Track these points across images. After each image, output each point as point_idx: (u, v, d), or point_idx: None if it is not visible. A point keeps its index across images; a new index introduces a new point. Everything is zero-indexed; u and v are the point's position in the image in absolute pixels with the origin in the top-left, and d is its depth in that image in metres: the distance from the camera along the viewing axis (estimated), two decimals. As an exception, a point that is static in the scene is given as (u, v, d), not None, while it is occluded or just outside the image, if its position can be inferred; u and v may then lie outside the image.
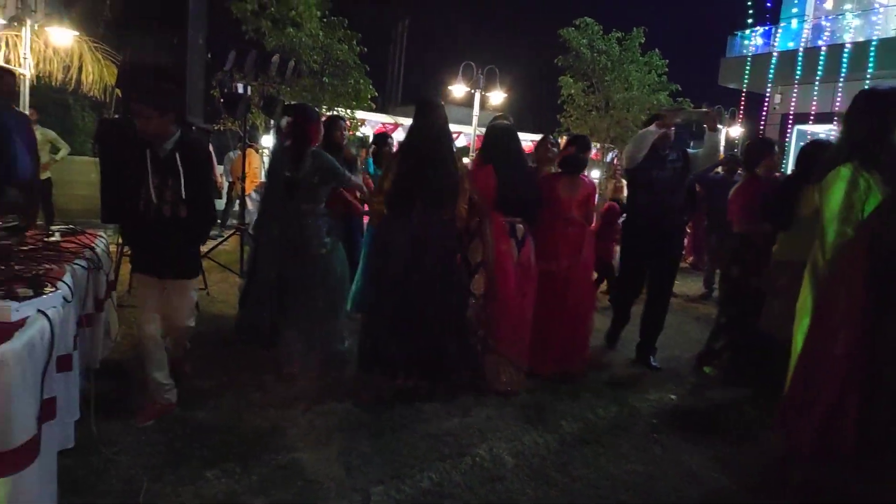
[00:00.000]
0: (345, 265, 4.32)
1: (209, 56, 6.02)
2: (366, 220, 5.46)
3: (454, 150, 4.04)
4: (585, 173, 4.80)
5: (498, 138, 4.23)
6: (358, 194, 5.11)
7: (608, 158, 16.81)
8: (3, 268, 2.40)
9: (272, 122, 8.28)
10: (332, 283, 4.19)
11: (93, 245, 3.43)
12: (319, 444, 3.16)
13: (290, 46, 10.65)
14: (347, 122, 6.77)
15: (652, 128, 4.44)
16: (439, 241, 3.83)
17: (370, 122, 14.99)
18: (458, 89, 14.05)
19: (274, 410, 3.49)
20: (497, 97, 14.22)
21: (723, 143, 4.71)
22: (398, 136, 16.09)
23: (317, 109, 5.33)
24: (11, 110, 4.80)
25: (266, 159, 10.85)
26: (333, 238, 4.17)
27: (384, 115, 16.41)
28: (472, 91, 14.01)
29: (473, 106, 14.25)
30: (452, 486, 2.89)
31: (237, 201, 9.06)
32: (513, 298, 4.07)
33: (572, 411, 3.86)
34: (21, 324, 1.88)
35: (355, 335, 4.34)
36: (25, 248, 2.95)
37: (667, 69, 16.04)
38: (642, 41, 15.71)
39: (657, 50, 16.01)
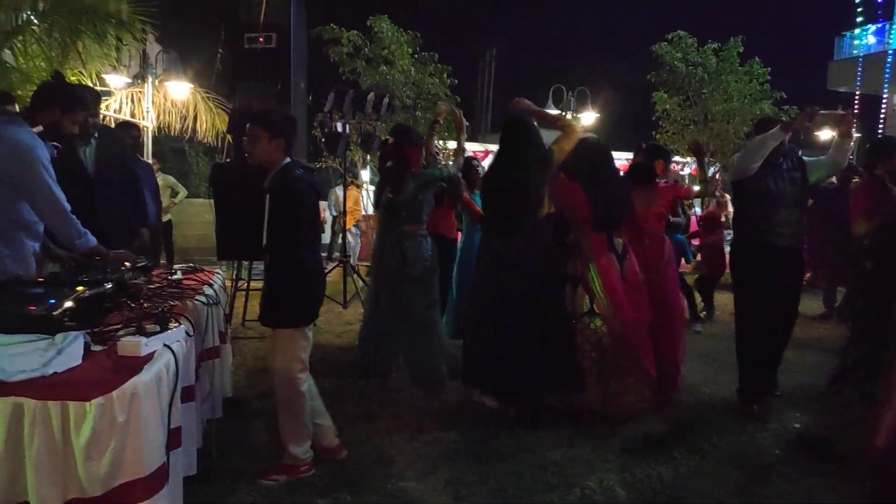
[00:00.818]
0: (435, 287, 4.38)
1: (310, 98, 6.38)
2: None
3: (544, 166, 3.93)
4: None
5: (586, 155, 4.08)
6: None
7: (710, 173, 16.11)
8: (134, 305, 2.60)
9: (368, 157, 8.60)
10: (431, 305, 4.25)
11: (211, 281, 3.65)
12: (426, 472, 3.18)
13: (383, 83, 11.06)
14: (440, 155, 6.91)
15: (774, 131, 3.94)
16: (530, 260, 3.81)
17: (461, 152, 15.19)
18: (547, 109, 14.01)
19: (380, 439, 3.55)
20: (589, 118, 14.05)
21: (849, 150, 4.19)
22: (488, 163, 16.15)
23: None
24: (139, 161, 5.27)
25: (365, 193, 11.25)
26: (434, 259, 4.24)
27: (474, 144, 16.57)
28: (563, 113, 13.92)
29: (565, 129, 14.14)
30: (562, 518, 2.81)
31: (340, 234, 9.45)
32: (627, 313, 3.93)
33: (685, 441, 3.67)
34: (150, 357, 2.02)
35: (454, 359, 4.39)
36: (152, 286, 3.18)
37: (769, 77, 15.28)
38: (740, 50, 15.08)
39: (757, 58, 15.31)
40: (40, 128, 3.04)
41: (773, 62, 15.40)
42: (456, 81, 12.21)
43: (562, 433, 3.70)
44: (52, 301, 2.25)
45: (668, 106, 15.39)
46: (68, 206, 3.02)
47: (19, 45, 5.79)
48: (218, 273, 4.07)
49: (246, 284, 6.53)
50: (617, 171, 4.33)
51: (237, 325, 5.96)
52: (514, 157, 3.87)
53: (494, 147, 14.46)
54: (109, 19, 5.98)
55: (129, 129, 5.06)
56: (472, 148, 15.82)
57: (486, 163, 14.44)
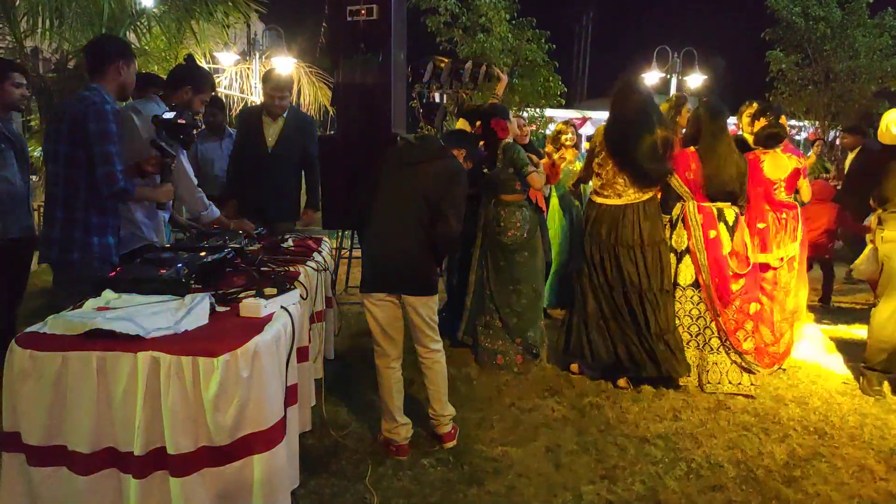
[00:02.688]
0: (541, 256, 4.37)
1: (409, 69, 6.42)
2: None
3: (655, 129, 3.79)
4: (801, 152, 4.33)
5: (704, 120, 3.93)
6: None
7: (830, 137, 14.92)
8: (253, 270, 2.76)
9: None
10: (531, 273, 4.24)
11: (319, 249, 3.80)
12: (526, 439, 3.20)
13: (480, 51, 10.95)
14: (526, 122, 6.77)
15: None
16: (639, 228, 3.73)
17: (558, 118, 14.86)
18: (651, 76, 13.39)
19: (480, 404, 3.60)
20: (696, 80, 13.31)
21: None
22: (586, 130, 15.74)
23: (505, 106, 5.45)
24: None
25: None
26: (532, 227, 4.24)
27: (571, 111, 16.17)
28: (668, 76, 13.27)
29: (669, 92, 13.49)
30: (667, 491, 2.75)
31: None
32: (728, 289, 3.78)
33: (801, 420, 3.48)
34: (268, 319, 2.14)
35: (554, 329, 4.37)
36: (267, 252, 3.35)
37: (903, 29, 13.83)
38: (871, 1, 13.71)
39: (890, 9, 13.86)
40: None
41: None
42: (554, 47, 11.90)
43: (665, 406, 3.61)
44: (181, 265, 2.43)
45: (783, 65, 14.30)
46: (196, 181, 3.26)
47: (142, 25, 6.18)
48: (325, 241, 4.22)
49: (349, 253, 6.76)
50: (730, 136, 4.10)
51: (340, 292, 6.19)
52: (638, 120, 3.75)
53: (592, 113, 14.08)
54: (222, 0, 6.25)
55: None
56: (568, 115, 15.47)
57: (584, 130, 14.08)
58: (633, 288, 3.80)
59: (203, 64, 7.10)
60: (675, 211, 3.93)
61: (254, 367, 1.88)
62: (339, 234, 6.79)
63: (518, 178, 4.19)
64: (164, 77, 5.23)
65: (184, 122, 3.00)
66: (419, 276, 2.99)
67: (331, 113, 7.67)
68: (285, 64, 9.61)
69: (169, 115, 2.97)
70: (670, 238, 3.90)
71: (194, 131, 3.14)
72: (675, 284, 3.86)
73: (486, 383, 3.90)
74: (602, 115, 16.13)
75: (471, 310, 4.37)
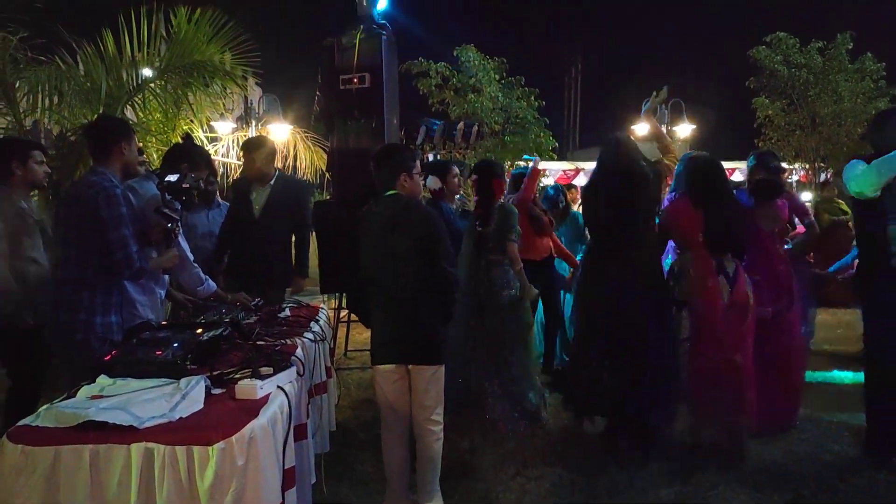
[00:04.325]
0: (529, 313, 4.33)
1: (402, 133, 6.56)
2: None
3: (647, 182, 3.79)
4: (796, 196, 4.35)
5: (699, 171, 3.90)
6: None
7: (821, 179, 15.11)
8: (248, 345, 2.74)
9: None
10: (524, 334, 4.21)
11: (316, 317, 3.78)
12: (534, 510, 3.11)
13: (471, 111, 11.21)
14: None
15: None
16: (642, 280, 3.69)
17: (551, 171, 15.07)
18: (641, 128, 13.64)
19: (484, 474, 3.52)
20: (685, 130, 13.57)
21: None
22: (580, 181, 15.91)
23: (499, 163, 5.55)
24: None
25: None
26: (519, 286, 4.21)
27: (564, 163, 16.40)
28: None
29: (660, 143, 13.70)
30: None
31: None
32: (720, 344, 3.71)
33: (815, 477, 3.40)
34: (265, 401, 2.11)
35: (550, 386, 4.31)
36: (263, 324, 3.33)
37: (884, 73, 14.20)
38: (850, 47, 14.13)
39: (870, 53, 14.28)
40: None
41: (888, 56, 14.32)
42: (544, 103, 12.19)
43: (673, 467, 3.53)
44: (176, 345, 2.41)
45: (770, 111, 14.63)
46: (192, 256, 3.29)
47: (139, 101, 6.31)
48: (322, 308, 4.21)
49: (347, 315, 6.73)
50: (731, 188, 4.14)
51: (340, 356, 6.14)
52: (621, 172, 3.77)
53: (585, 164, 14.27)
54: (216, 71, 6.40)
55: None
56: (561, 166, 15.71)
57: (578, 181, 14.24)
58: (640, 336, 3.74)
59: (200, 133, 7.23)
60: (676, 263, 3.93)
61: (250, 454, 1.84)
62: (338, 296, 6.78)
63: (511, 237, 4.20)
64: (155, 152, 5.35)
65: (187, 185, 3.07)
66: (423, 339, 2.96)
67: (327, 176, 7.78)
68: (281, 130, 9.82)
69: (173, 177, 3.05)
70: (672, 289, 3.87)
71: (195, 194, 3.21)
72: (678, 336, 3.80)
73: (490, 452, 3.82)
74: (593, 166, 16.36)
75: (460, 372, 4.26)
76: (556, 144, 12.94)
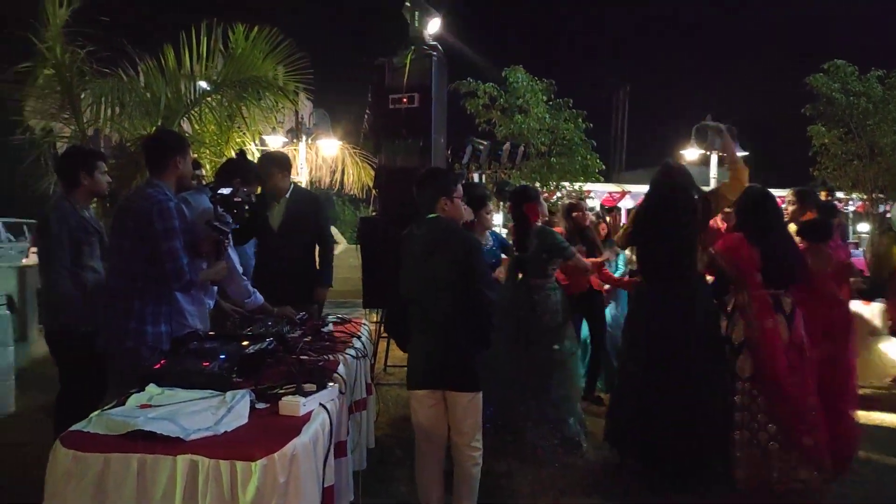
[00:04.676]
0: (574, 340, 4.27)
1: (448, 152, 6.59)
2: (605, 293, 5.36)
3: (695, 213, 3.72)
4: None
5: (754, 205, 3.80)
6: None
7: (879, 210, 14.57)
8: (292, 360, 2.76)
9: (502, 203, 8.68)
10: (563, 356, 4.14)
11: (359, 333, 3.79)
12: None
13: (518, 132, 11.20)
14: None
15: None
16: (689, 317, 3.59)
17: (596, 193, 14.91)
18: (690, 153, 13.43)
19: (522, 500, 3.46)
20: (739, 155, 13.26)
21: None
22: (625, 203, 15.70)
23: (536, 187, 5.52)
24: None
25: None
26: (564, 313, 4.17)
27: (610, 185, 16.22)
28: (708, 153, 13.26)
29: (710, 168, 13.42)
30: None
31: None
32: (787, 382, 3.56)
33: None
34: (307, 418, 2.12)
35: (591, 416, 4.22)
36: (307, 339, 3.36)
37: (947, 103, 13.67)
38: (911, 75, 13.66)
39: (932, 83, 13.77)
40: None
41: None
42: (591, 125, 12.10)
43: (714, 500, 3.41)
44: (223, 357, 2.45)
45: (826, 140, 14.21)
46: (241, 268, 3.35)
47: (196, 114, 6.52)
48: (364, 324, 4.22)
49: (388, 331, 6.76)
50: (783, 218, 4.02)
51: (379, 371, 6.15)
52: (670, 204, 3.70)
53: (632, 187, 14.10)
54: (270, 86, 6.57)
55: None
56: (607, 188, 15.54)
57: (623, 203, 14.00)
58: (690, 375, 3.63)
59: (252, 147, 7.41)
60: (731, 301, 3.80)
61: (291, 472, 1.85)
62: (379, 312, 6.82)
63: (550, 263, 4.16)
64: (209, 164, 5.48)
65: (239, 199, 3.14)
66: (460, 366, 2.92)
67: (373, 193, 7.88)
68: (331, 145, 9.99)
69: (226, 190, 3.12)
70: (727, 329, 3.75)
71: (246, 208, 3.27)
72: (734, 377, 3.68)
73: (527, 477, 3.76)
74: (641, 189, 16.06)
75: (500, 397, 4.22)
76: (604, 167, 12.80)
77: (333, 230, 9.51)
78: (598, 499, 3.48)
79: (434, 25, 5.75)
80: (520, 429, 4.08)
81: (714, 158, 13.26)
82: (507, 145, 7.64)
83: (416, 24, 5.73)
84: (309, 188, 10.62)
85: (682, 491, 3.51)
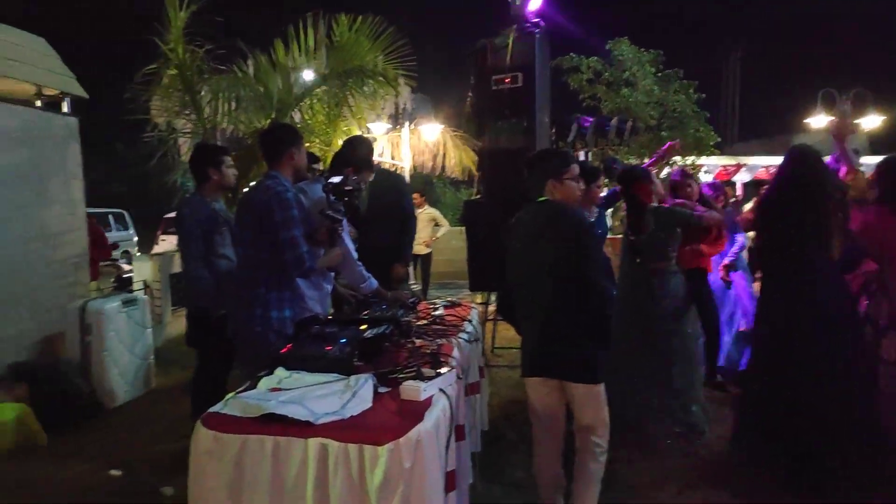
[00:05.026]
0: (695, 326, 4.06)
1: (553, 131, 6.44)
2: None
3: (832, 202, 3.40)
4: None
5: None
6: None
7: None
8: (409, 345, 2.79)
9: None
10: (688, 345, 3.95)
11: (469, 317, 3.79)
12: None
13: (625, 106, 10.78)
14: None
15: None
16: (827, 304, 3.30)
17: (708, 167, 14.07)
18: (817, 120, 12.37)
19: (645, 491, 3.34)
20: (873, 121, 12.08)
21: None
22: (740, 177, 14.73)
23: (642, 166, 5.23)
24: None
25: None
26: (685, 296, 3.97)
27: (724, 157, 15.24)
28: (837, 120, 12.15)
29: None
30: None
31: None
32: None
33: None
34: (428, 403, 2.13)
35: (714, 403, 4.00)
36: (420, 323, 3.40)
37: None
38: None
39: None
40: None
41: None
42: (703, 96, 11.42)
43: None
44: (344, 341, 2.51)
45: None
46: (356, 255, 3.43)
47: (307, 105, 6.74)
48: (474, 307, 4.21)
49: (494, 313, 6.75)
50: None
51: (487, 353, 6.16)
52: (804, 187, 3.40)
53: (747, 159, 13.13)
54: (374, 74, 6.67)
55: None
56: (720, 162, 14.64)
57: (739, 177, 13.12)
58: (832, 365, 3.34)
59: (359, 134, 7.56)
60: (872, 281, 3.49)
61: (416, 457, 1.86)
62: (486, 294, 6.83)
63: (668, 243, 3.96)
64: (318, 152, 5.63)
65: (349, 187, 3.21)
66: (576, 355, 2.79)
67: (475, 175, 7.85)
68: (433, 130, 10.04)
69: (337, 179, 3.21)
70: (868, 310, 3.44)
71: (357, 196, 3.36)
72: (880, 359, 3.37)
73: (649, 468, 3.62)
74: (757, 161, 14.97)
75: (624, 388, 4.09)
76: (719, 139, 12.06)
77: (436, 212, 9.63)
78: (726, 494, 3.29)
79: (536, 2, 5.59)
80: (640, 418, 3.94)
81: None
82: (614, 121, 7.35)
83: (518, 2, 5.60)
84: (413, 173, 10.78)
85: (818, 489, 3.24)
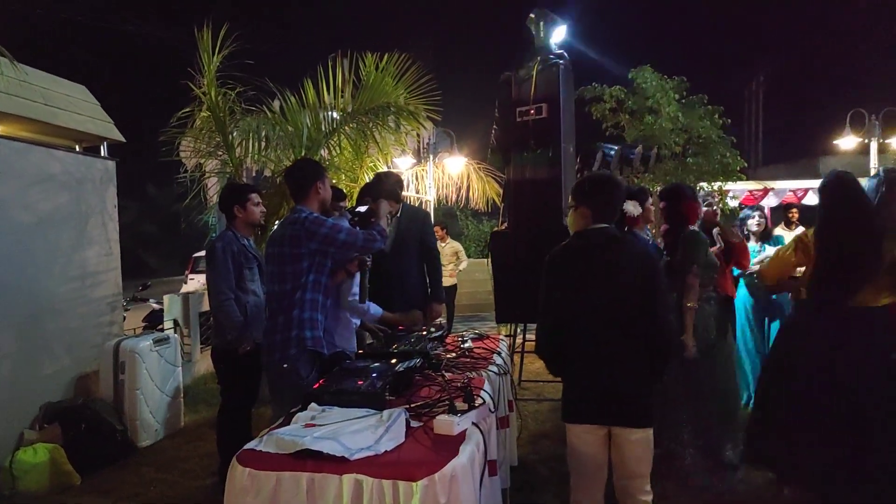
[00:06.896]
0: (731, 357, 3.97)
1: (577, 160, 6.46)
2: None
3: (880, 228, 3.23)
4: None
5: None
6: None
7: None
8: (440, 379, 2.78)
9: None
10: (723, 377, 3.85)
11: (498, 349, 3.77)
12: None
13: (649, 133, 10.76)
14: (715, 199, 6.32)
15: None
16: (876, 340, 3.17)
17: (735, 192, 13.88)
18: (846, 142, 12.22)
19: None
20: (903, 142, 11.90)
21: None
22: (768, 202, 14.49)
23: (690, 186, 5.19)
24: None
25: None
26: (722, 324, 3.87)
27: (750, 183, 15.01)
28: (866, 140, 11.99)
29: (870, 158, 12.09)
30: None
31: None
32: None
33: None
34: (462, 438, 2.12)
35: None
36: (449, 355, 3.39)
37: None
38: None
39: None
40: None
41: None
42: (729, 121, 11.35)
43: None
44: (375, 375, 2.52)
45: None
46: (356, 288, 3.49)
47: (335, 142, 6.87)
48: (502, 339, 4.19)
49: (522, 345, 6.70)
50: None
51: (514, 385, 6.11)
52: (852, 217, 3.28)
53: (774, 183, 12.83)
54: (400, 111, 6.78)
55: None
56: (747, 187, 14.44)
57: (766, 202, 12.94)
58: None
59: (384, 169, 7.66)
60: None
61: (451, 492, 1.86)
62: (513, 327, 6.80)
63: (707, 269, 3.87)
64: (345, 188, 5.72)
65: (374, 219, 3.28)
66: (632, 399, 2.59)
67: (500, 206, 7.90)
68: (456, 163, 10.15)
69: (362, 209, 3.29)
70: None
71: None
72: None
73: (686, 500, 3.53)
74: (784, 185, 14.77)
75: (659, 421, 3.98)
76: (745, 164, 11.91)
77: (458, 246, 9.65)
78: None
79: (559, 34, 5.68)
80: (671, 453, 3.81)
81: (874, 146, 11.98)
82: (638, 148, 7.35)
83: (542, 35, 5.69)
84: (437, 205, 10.86)
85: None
